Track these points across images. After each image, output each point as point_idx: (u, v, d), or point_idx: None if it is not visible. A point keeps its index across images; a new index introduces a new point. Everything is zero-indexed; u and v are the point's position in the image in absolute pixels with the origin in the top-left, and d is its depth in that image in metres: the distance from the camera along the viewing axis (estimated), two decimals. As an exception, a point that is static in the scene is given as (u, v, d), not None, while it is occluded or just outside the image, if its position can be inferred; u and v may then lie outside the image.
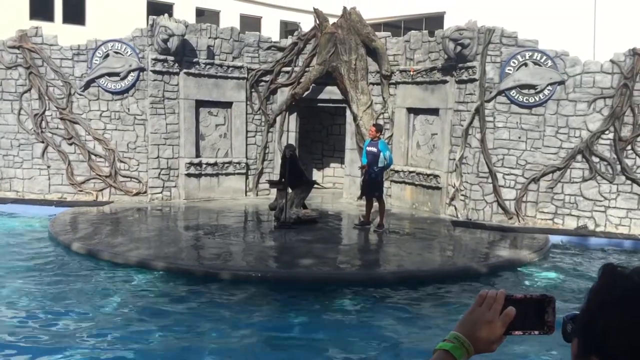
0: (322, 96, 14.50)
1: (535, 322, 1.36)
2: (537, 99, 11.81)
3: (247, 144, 14.50)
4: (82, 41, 13.55)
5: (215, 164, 14.07)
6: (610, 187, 11.65)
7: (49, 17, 21.86)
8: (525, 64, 11.81)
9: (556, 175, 11.90)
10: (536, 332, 1.37)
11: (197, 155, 13.92)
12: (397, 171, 13.60)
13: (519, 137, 11.97)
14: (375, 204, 11.27)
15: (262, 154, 14.68)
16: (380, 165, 10.85)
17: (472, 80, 12.03)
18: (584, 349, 1.19)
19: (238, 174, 14.40)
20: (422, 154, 13.58)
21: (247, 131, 14.48)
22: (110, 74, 13.21)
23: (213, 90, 13.94)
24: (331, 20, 14.62)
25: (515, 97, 11.87)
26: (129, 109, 13.41)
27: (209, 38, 13.87)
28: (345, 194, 14.62)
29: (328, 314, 7.41)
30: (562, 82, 11.69)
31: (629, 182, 11.57)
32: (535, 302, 1.37)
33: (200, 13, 26.05)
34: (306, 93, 14.32)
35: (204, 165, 13.91)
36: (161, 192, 13.59)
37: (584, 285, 8.27)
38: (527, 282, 8.92)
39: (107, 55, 13.21)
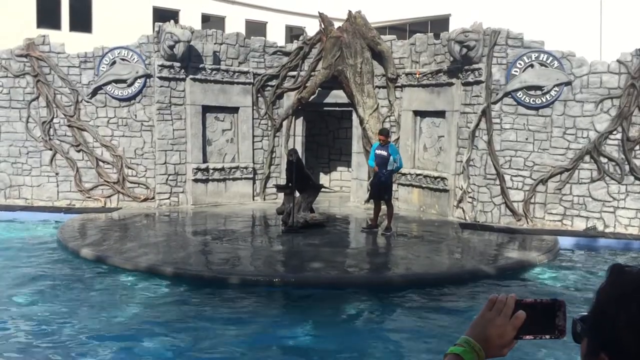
0: (328, 100, 14.52)
1: (546, 326, 1.36)
2: (544, 100, 11.77)
3: (253, 149, 14.54)
4: (89, 48, 13.63)
5: (223, 169, 14.10)
6: (619, 188, 11.59)
7: (56, 26, 21.98)
8: (532, 65, 11.79)
9: (564, 177, 11.85)
10: (547, 337, 1.36)
11: (204, 161, 13.96)
12: (404, 174, 13.59)
13: (526, 139, 11.93)
14: (383, 207, 11.26)
15: (269, 158, 14.71)
16: (389, 168, 10.85)
17: (478, 82, 12.01)
18: (593, 347, 1.21)
19: (245, 178, 14.44)
20: (429, 157, 13.57)
21: (253, 136, 14.52)
22: (117, 81, 13.28)
23: (219, 95, 13.98)
24: (336, 24, 14.64)
25: (522, 99, 11.84)
26: (136, 115, 13.47)
27: (215, 44, 13.92)
28: (352, 198, 14.62)
29: (336, 318, 7.41)
30: (568, 83, 11.66)
31: (637, 182, 11.50)
32: (545, 306, 1.37)
33: (206, 19, 26.14)
34: (312, 97, 14.34)
35: (211, 171, 13.95)
36: (169, 198, 13.63)
37: (594, 286, 8.21)
38: (536, 284, 8.87)
39: (114, 62, 13.28)
